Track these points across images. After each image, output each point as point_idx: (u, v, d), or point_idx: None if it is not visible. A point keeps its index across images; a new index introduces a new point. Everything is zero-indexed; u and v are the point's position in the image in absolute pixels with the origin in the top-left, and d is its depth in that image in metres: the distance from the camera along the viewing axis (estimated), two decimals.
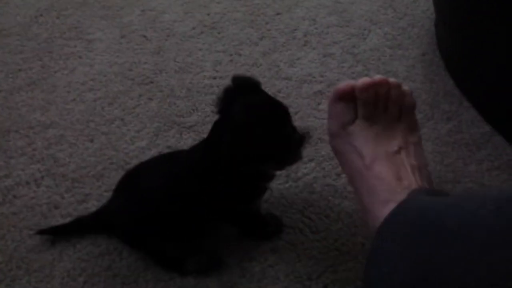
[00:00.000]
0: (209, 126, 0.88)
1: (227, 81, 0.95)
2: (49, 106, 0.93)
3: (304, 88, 0.96)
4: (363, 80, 0.64)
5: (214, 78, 0.98)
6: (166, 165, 0.68)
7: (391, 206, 0.57)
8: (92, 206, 0.77)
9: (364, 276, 0.58)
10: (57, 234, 0.73)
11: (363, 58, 1.02)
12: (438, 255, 0.45)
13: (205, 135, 0.86)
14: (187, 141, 0.87)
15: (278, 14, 1.13)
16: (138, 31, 1.08)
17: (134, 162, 0.83)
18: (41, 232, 0.72)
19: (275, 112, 0.61)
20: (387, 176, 0.61)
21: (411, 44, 1.04)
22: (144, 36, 1.07)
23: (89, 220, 0.72)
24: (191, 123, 0.90)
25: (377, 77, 0.65)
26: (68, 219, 0.76)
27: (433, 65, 0.99)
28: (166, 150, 0.85)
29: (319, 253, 0.73)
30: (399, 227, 0.54)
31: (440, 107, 0.91)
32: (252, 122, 0.58)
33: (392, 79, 0.66)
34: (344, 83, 0.66)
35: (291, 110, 0.64)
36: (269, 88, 0.95)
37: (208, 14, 1.12)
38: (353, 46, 1.05)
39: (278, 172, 0.70)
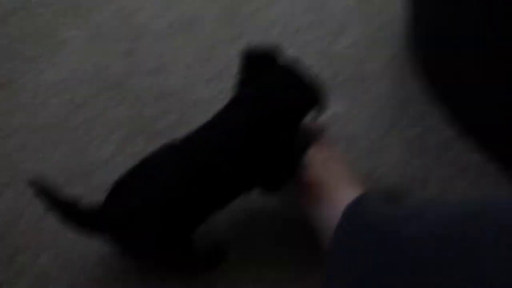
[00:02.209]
0: (180, 131, 0.87)
1: (199, 84, 0.95)
2: (15, 111, 0.90)
3: None
4: None
5: (186, 78, 0.96)
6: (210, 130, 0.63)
7: (338, 207, 0.57)
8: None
9: None
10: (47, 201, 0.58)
11: (335, 59, 0.99)
12: (389, 265, 0.44)
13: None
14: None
15: (254, 12, 1.10)
16: (110, 31, 1.05)
17: (100, 171, 0.81)
18: (34, 185, 0.58)
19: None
20: (323, 182, 0.63)
21: (382, 46, 1.01)
22: (116, 36, 1.04)
23: (89, 213, 0.59)
24: (160, 129, 0.87)
25: None
26: (30, 231, 0.74)
27: (402, 69, 0.96)
28: (133, 158, 0.83)
29: None
30: (349, 238, 0.53)
31: (408, 112, 0.89)
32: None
33: None
34: None
35: None
36: None
37: (183, 12, 1.09)
38: (326, 47, 1.02)
39: None
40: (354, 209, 0.56)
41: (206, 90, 0.94)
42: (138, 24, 1.06)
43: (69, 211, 0.58)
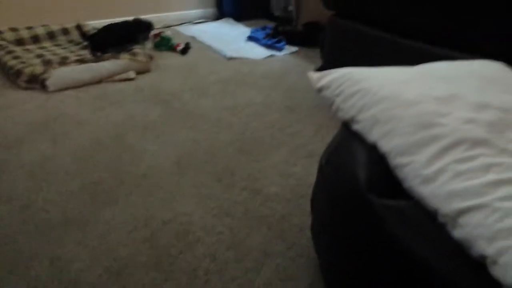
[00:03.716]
0: None
1: None
2: None
3: None
4: None
5: None
6: None
7: None
8: None
9: None
10: None
11: None
12: None
13: None
14: None
15: (181, 253, 1.23)
16: (45, 285, 1.12)
17: None
18: None
19: None
20: None
21: (300, 274, 1.17)
22: None
23: None
24: None
25: None
26: None
27: None
28: None
29: None
30: None
31: None
32: None
33: None
34: None
35: None
36: None
37: (115, 260, 1.20)
38: (249, 281, 1.15)
39: None
40: None
41: None
42: (72, 275, 1.15)
43: None
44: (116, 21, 2.59)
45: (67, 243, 1.24)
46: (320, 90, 0.98)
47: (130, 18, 2.99)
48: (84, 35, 2.50)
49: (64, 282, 1.13)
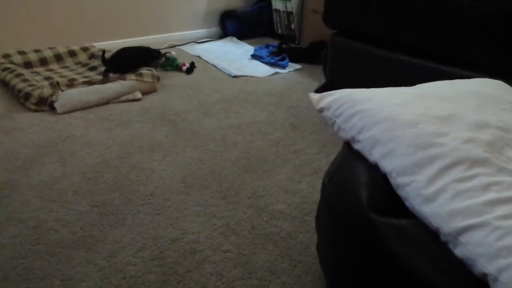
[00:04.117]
0: None
1: None
2: None
3: None
4: None
5: None
6: None
7: None
8: None
9: None
10: None
11: None
12: None
13: None
14: None
15: (189, 271, 1.25)
16: None
17: None
18: None
19: None
20: None
21: None
22: None
23: None
24: None
25: None
26: None
27: None
28: None
29: None
30: None
31: None
32: None
33: None
34: None
35: None
36: None
37: (124, 279, 1.22)
38: None
39: None
40: None
41: None
42: None
43: None
44: (126, 45, 2.67)
45: (77, 263, 1.27)
46: (321, 111, 1.01)
47: (136, 39, 3.06)
48: (104, 60, 2.57)
49: None
